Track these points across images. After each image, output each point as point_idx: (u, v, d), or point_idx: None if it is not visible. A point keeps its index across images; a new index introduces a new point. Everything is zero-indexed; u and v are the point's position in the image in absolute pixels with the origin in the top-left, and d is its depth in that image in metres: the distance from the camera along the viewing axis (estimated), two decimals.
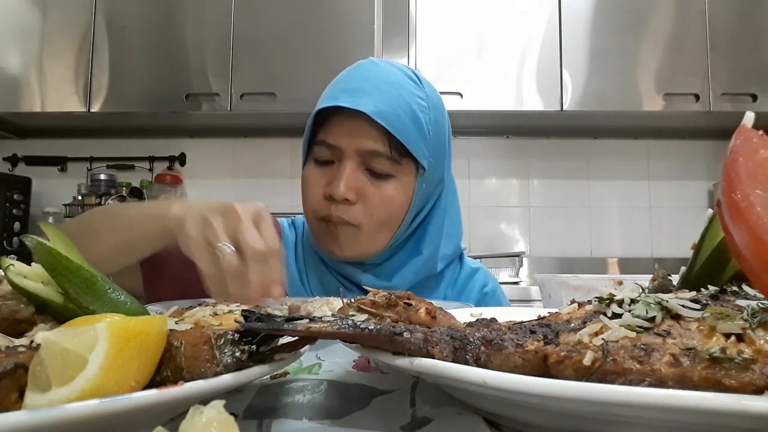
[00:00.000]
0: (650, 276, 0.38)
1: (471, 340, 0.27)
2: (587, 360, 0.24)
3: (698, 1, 2.00)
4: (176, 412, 0.26)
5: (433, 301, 0.37)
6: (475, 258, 2.12)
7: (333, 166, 0.73)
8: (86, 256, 0.57)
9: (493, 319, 0.34)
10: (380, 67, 0.75)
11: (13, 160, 2.41)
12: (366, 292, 0.78)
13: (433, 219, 0.80)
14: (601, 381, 0.24)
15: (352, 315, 0.31)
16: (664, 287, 0.36)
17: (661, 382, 0.23)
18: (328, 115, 0.72)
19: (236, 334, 0.26)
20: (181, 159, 2.40)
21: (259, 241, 0.52)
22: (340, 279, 0.79)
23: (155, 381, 0.25)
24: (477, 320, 0.34)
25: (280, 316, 0.28)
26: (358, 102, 0.68)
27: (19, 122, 2.26)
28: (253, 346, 0.27)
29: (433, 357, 0.26)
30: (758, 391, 0.21)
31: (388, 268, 0.79)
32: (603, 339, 0.25)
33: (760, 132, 0.27)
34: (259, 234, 0.53)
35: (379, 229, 0.74)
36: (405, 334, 0.27)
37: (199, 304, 0.39)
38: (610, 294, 0.29)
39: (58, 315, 0.32)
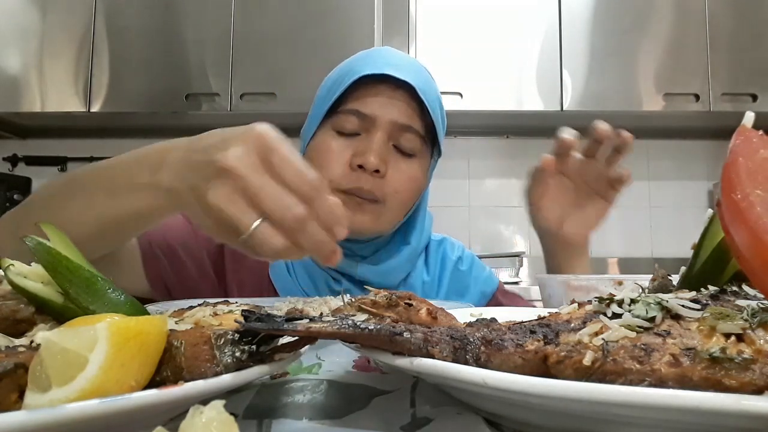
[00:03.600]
0: (650, 276, 0.38)
1: (471, 340, 0.27)
2: (587, 360, 0.24)
3: (698, 1, 2.00)
4: (176, 412, 0.26)
5: (433, 302, 0.37)
6: None
7: (358, 138, 0.71)
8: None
9: (493, 319, 0.34)
10: (407, 55, 0.78)
11: (13, 160, 2.41)
12: (355, 283, 0.78)
13: (420, 210, 0.81)
14: (601, 381, 0.24)
15: (353, 315, 0.31)
16: (664, 287, 0.36)
17: (661, 382, 0.23)
18: (358, 86, 0.70)
19: (236, 334, 0.26)
20: None
21: (292, 204, 0.39)
22: (328, 270, 0.77)
23: (155, 381, 0.25)
24: (477, 320, 0.34)
25: (280, 316, 0.28)
26: (404, 74, 0.69)
27: (19, 122, 2.26)
28: (253, 346, 0.27)
29: (433, 357, 0.26)
30: (758, 391, 0.21)
31: (381, 257, 0.78)
32: (603, 339, 0.25)
33: (760, 132, 0.27)
34: (283, 188, 0.40)
35: (399, 207, 0.73)
36: (405, 334, 0.27)
37: (199, 304, 0.39)
38: (610, 294, 0.29)
39: (58, 315, 0.32)
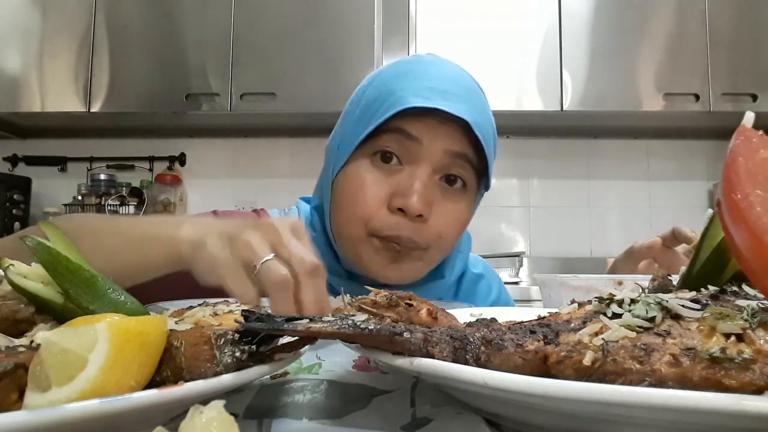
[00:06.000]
0: (650, 276, 0.38)
1: (471, 340, 0.27)
2: (587, 360, 0.24)
3: (698, 1, 2.00)
4: (176, 412, 0.26)
5: (434, 302, 0.37)
6: None
7: (399, 171, 0.61)
8: None
9: (493, 319, 0.34)
10: (455, 69, 0.67)
11: (13, 160, 2.41)
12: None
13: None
14: (601, 381, 0.24)
15: (353, 315, 0.31)
16: (664, 287, 0.36)
17: (661, 382, 0.23)
18: (404, 110, 0.60)
19: (236, 334, 0.26)
20: (181, 159, 2.40)
21: (309, 253, 0.44)
22: (336, 292, 0.72)
23: (155, 381, 0.25)
24: (477, 320, 0.34)
25: (280, 316, 0.28)
26: (456, 107, 0.59)
27: (19, 122, 2.26)
28: (253, 346, 0.27)
29: (433, 357, 0.26)
30: (758, 391, 0.21)
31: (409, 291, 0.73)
32: (603, 339, 0.25)
33: (760, 132, 0.27)
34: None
35: (440, 253, 0.65)
36: (405, 334, 0.27)
37: (199, 304, 0.39)
38: (610, 294, 0.29)
39: (58, 315, 0.32)
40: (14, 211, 2.18)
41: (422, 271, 0.66)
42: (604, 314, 0.27)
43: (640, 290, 0.34)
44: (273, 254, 0.43)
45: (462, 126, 0.60)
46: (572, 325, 0.27)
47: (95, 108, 2.04)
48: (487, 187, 0.69)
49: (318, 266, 0.43)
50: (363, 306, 0.33)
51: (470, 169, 0.63)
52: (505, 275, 2.02)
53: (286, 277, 0.41)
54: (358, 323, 0.27)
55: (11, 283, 0.31)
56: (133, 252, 0.51)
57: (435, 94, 0.60)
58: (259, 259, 0.42)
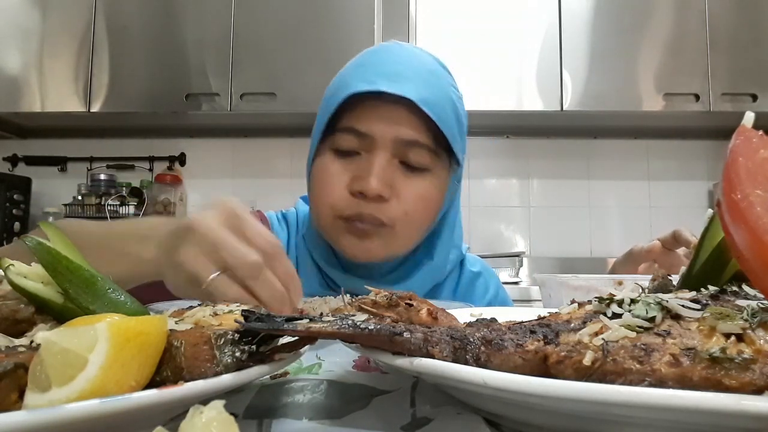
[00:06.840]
0: (650, 276, 0.38)
1: (471, 340, 0.27)
2: (587, 360, 0.24)
3: (698, 1, 2.00)
4: (176, 412, 0.26)
5: (434, 302, 0.37)
6: None
7: (358, 158, 0.64)
8: None
9: (493, 319, 0.34)
10: (413, 52, 0.69)
11: (13, 160, 2.41)
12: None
13: (446, 222, 0.75)
14: (601, 381, 0.24)
15: (353, 315, 0.31)
16: (664, 287, 0.36)
17: (661, 382, 0.23)
18: (355, 101, 0.63)
19: (236, 334, 0.26)
20: (181, 159, 2.40)
21: (247, 253, 0.41)
22: (337, 289, 0.73)
23: (155, 381, 0.25)
24: (477, 320, 0.34)
25: (280, 316, 0.28)
26: (401, 88, 0.61)
27: (19, 122, 2.27)
28: (253, 346, 0.27)
29: (433, 357, 0.26)
30: (758, 391, 0.21)
31: (400, 277, 0.73)
32: (603, 339, 0.25)
33: (760, 132, 0.27)
34: (243, 242, 0.42)
35: (412, 230, 0.67)
36: (405, 334, 0.27)
37: (199, 304, 0.39)
38: (610, 294, 0.29)
39: (58, 315, 0.32)
40: (14, 211, 2.18)
41: (392, 249, 0.67)
42: (604, 314, 0.27)
43: (640, 290, 0.34)
44: (217, 272, 0.41)
45: (413, 108, 0.61)
46: (572, 325, 0.27)
47: (95, 108, 2.04)
48: (458, 163, 0.69)
49: (256, 262, 0.41)
50: (363, 306, 0.33)
51: (427, 154, 0.64)
52: (505, 275, 2.02)
53: (233, 297, 0.40)
54: (358, 323, 0.27)
55: (11, 283, 0.31)
56: (104, 267, 0.51)
57: (380, 78, 0.61)
58: (204, 281, 0.41)
